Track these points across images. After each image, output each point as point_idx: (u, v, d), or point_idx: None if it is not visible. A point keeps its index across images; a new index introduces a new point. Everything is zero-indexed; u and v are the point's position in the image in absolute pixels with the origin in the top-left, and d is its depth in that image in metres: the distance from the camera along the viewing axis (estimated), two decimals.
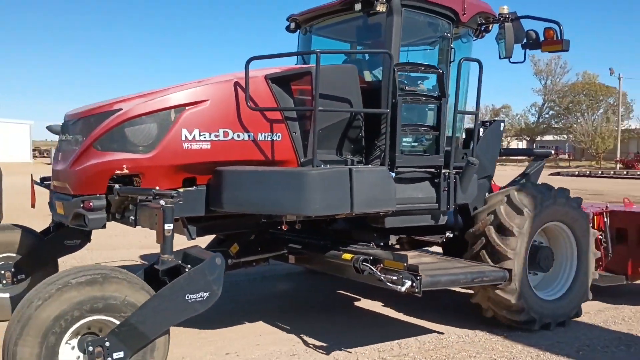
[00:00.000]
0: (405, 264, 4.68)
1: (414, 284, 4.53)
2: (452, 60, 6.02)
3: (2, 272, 5.89)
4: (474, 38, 6.45)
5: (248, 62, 4.85)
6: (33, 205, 6.01)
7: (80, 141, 4.74)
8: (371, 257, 4.96)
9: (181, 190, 4.63)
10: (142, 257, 9.31)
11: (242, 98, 4.92)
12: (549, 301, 5.82)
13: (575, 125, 66.57)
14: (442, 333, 5.71)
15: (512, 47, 6.01)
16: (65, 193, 4.85)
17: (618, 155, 57.15)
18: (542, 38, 5.97)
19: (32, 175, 6.09)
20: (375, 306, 6.78)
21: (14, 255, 5.97)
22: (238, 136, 4.94)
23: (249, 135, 4.98)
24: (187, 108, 4.75)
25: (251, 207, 4.83)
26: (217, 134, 4.85)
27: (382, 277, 4.68)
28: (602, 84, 67.33)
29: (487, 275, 5.19)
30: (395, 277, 4.60)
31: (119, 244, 10.44)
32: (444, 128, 5.54)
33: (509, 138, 72.23)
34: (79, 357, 3.73)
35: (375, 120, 5.45)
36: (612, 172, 45.16)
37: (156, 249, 4.34)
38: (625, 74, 68.12)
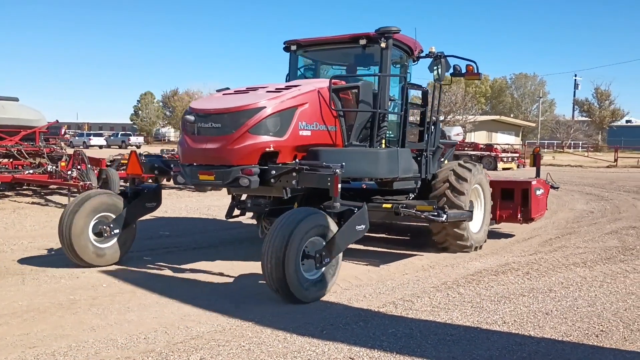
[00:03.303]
0: (434, 206, 7.62)
1: (446, 217, 7.56)
2: (409, 80, 9.14)
3: (104, 227, 7.33)
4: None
5: (331, 79, 7.36)
6: (139, 174, 7.53)
7: (233, 127, 6.63)
8: (405, 205, 7.77)
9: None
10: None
11: (322, 102, 7.37)
12: (474, 233, 9.27)
13: None
14: (194, 322, 5.42)
15: (444, 74, 9.27)
16: (218, 164, 6.73)
17: None
18: (464, 71, 9.30)
19: (135, 150, 7.52)
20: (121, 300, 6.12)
21: (110, 214, 7.44)
22: (320, 127, 7.37)
23: (325, 127, 7.44)
24: (298, 107, 7.05)
25: (344, 174, 7.31)
26: (312, 126, 7.23)
27: (424, 214, 7.54)
28: None
29: (465, 214, 8.39)
30: (435, 213, 7.53)
31: None
32: (426, 125, 8.63)
33: None
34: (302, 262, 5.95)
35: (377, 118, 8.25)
36: None
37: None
38: None
